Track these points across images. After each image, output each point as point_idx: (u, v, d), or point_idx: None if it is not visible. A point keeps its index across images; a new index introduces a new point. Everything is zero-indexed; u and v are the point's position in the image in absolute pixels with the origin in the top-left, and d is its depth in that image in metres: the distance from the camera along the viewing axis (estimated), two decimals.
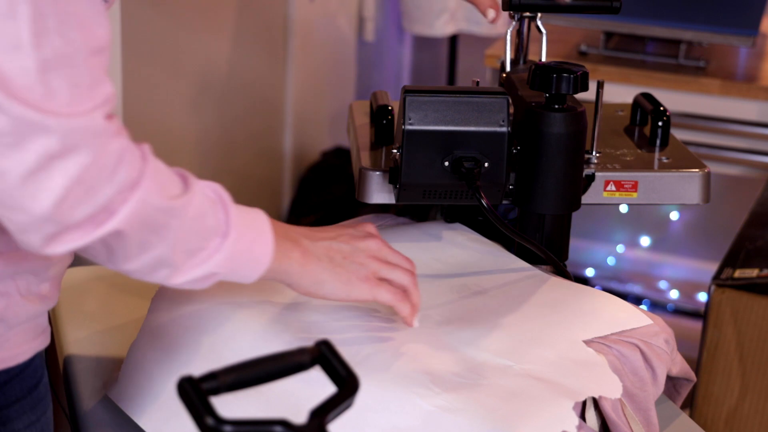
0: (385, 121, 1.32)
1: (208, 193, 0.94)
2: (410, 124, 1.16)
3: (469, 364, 1.05)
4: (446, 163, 1.18)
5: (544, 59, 1.35)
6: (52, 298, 1.04)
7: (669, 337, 1.16)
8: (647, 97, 1.46)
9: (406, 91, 1.17)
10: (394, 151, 1.20)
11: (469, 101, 1.17)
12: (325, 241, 1.02)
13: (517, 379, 1.04)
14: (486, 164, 1.17)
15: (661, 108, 1.42)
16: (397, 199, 1.22)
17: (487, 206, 1.15)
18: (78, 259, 1.10)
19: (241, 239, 0.94)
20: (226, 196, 0.95)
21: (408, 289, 1.05)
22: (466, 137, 1.17)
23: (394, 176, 1.21)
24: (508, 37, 1.35)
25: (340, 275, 1.01)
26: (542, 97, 1.23)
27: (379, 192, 1.26)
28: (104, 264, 0.91)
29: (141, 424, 1.06)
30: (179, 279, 0.92)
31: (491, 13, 1.27)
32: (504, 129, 1.18)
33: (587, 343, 1.11)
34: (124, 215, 0.86)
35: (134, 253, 0.89)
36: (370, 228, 1.07)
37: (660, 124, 1.40)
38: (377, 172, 1.25)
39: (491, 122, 1.17)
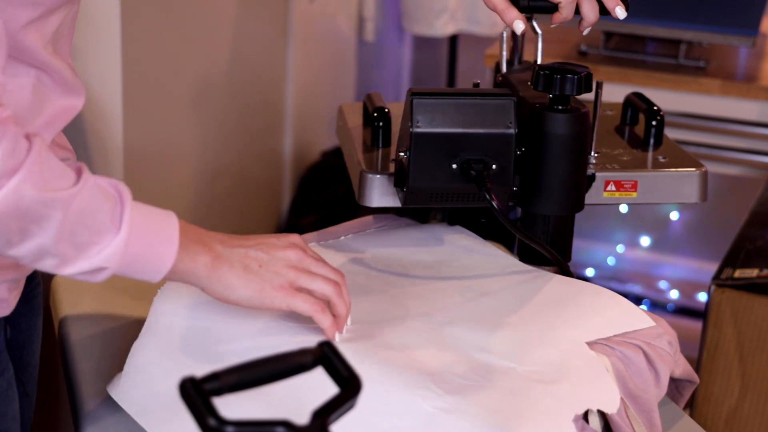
0: (381, 123, 1.31)
1: (108, 190, 0.96)
2: (418, 127, 1.16)
3: (471, 365, 1.05)
4: (454, 166, 1.17)
5: (539, 60, 1.35)
6: (13, 271, 1.05)
7: (672, 338, 1.16)
8: (639, 96, 1.46)
9: (413, 94, 1.17)
10: (401, 154, 1.19)
11: (476, 103, 1.17)
12: (242, 248, 1.03)
13: (520, 382, 1.04)
14: (494, 166, 1.17)
15: (655, 107, 1.42)
16: (404, 202, 1.21)
17: (498, 208, 1.15)
18: None
19: (136, 238, 0.95)
20: (126, 194, 0.96)
21: (331, 300, 1.05)
22: (474, 139, 1.17)
23: (400, 179, 1.20)
24: (504, 38, 1.35)
25: (252, 282, 1.01)
26: (544, 98, 1.22)
27: (381, 195, 1.25)
28: None
29: (143, 424, 1.06)
30: (67, 270, 0.94)
31: (520, 26, 1.23)
32: (511, 131, 1.17)
33: (590, 344, 1.11)
34: None
35: (16, 240, 0.91)
36: (295, 238, 1.07)
37: (654, 123, 1.40)
38: (377, 175, 1.25)
39: (499, 124, 1.17)
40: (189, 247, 0.99)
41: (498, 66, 1.39)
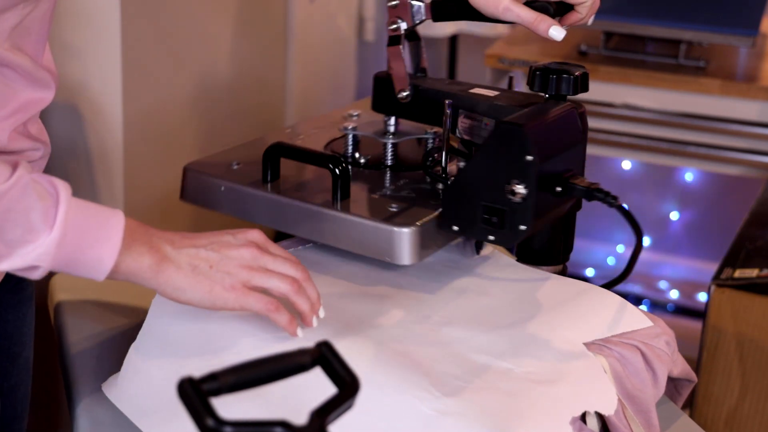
0: (339, 170, 1.18)
1: (46, 188, 0.94)
2: (536, 157, 1.08)
3: (469, 367, 1.05)
4: (558, 189, 1.13)
5: (426, 65, 1.32)
6: None
7: (670, 338, 1.16)
8: None
9: (524, 125, 1.09)
10: (520, 188, 1.08)
11: (561, 117, 1.15)
12: (192, 248, 1.01)
13: (518, 383, 1.04)
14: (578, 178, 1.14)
15: None
16: (512, 240, 1.11)
17: (627, 210, 1.15)
18: None
19: (71, 238, 0.94)
20: (64, 193, 0.95)
21: (289, 298, 1.03)
22: (566, 155, 1.14)
23: (521, 217, 1.10)
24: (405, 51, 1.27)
25: (200, 283, 1.00)
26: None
27: (420, 249, 1.15)
28: None
29: (140, 425, 1.06)
30: (0, 266, 0.94)
31: (561, 33, 1.17)
32: (582, 137, 1.17)
33: (588, 345, 1.11)
34: None
35: None
36: (253, 235, 1.04)
37: None
38: (409, 229, 1.14)
39: (575, 134, 1.16)
40: (133, 248, 0.98)
41: (378, 80, 1.31)
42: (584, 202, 1.27)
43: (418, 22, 1.26)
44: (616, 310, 1.17)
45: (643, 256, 3.03)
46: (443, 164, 1.21)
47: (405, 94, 1.29)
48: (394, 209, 1.17)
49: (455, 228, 1.14)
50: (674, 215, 2.88)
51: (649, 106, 2.30)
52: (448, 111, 1.20)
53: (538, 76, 1.19)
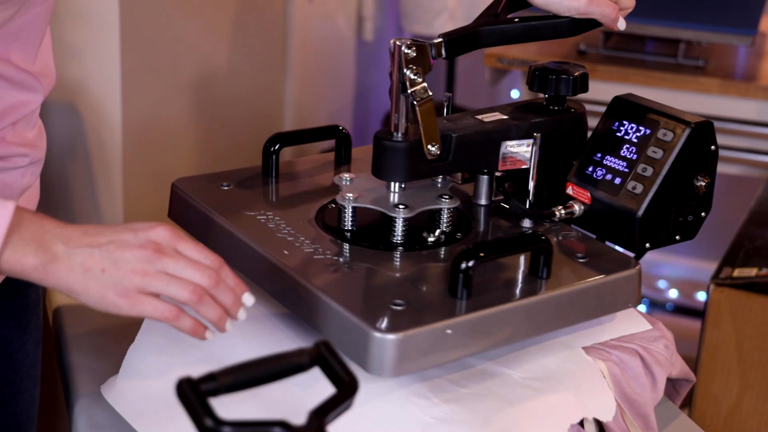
0: (544, 243, 1.04)
1: None
2: (716, 145, 1.16)
3: (468, 372, 1.05)
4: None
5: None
6: None
7: (668, 341, 1.16)
8: None
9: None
10: (706, 178, 1.16)
11: None
12: (87, 248, 0.92)
13: (516, 389, 1.03)
14: None
15: None
16: (695, 232, 1.20)
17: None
18: None
19: None
20: None
21: (192, 308, 0.94)
22: None
23: (706, 205, 1.19)
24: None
25: (91, 289, 0.92)
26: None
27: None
28: None
29: (137, 427, 1.06)
30: None
31: (623, 24, 1.18)
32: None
33: (587, 349, 1.10)
34: None
35: None
36: (157, 233, 0.94)
37: None
38: (637, 268, 1.09)
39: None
40: (17, 246, 0.90)
41: (388, 144, 1.11)
42: None
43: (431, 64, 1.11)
44: (615, 313, 1.17)
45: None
46: (530, 196, 1.15)
47: (435, 149, 1.11)
48: (583, 259, 1.09)
49: (648, 245, 1.15)
50: None
51: None
52: (539, 143, 1.16)
53: (537, 76, 1.19)
